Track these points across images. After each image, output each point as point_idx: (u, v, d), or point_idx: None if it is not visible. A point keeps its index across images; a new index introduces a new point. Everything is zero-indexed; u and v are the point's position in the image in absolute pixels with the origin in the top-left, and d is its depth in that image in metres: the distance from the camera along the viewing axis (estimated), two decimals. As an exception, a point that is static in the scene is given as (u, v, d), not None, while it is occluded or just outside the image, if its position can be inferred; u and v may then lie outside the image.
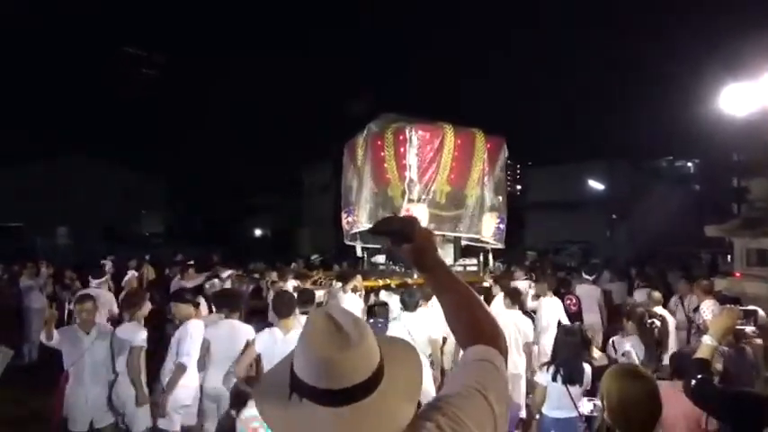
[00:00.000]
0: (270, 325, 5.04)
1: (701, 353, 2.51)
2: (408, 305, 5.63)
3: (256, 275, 9.52)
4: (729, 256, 11.07)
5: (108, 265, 9.44)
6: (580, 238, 25.64)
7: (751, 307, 2.79)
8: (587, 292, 8.32)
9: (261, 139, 36.36)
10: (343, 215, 10.04)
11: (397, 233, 1.40)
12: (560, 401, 4.29)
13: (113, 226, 27.50)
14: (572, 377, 4.26)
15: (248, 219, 37.30)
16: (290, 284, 7.60)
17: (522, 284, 8.42)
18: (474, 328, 1.38)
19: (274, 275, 8.44)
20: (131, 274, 8.29)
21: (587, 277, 8.86)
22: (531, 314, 7.02)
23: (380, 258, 9.41)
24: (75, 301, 5.13)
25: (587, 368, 4.40)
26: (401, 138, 8.62)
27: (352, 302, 6.69)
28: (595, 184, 28.90)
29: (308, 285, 7.64)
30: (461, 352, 1.40)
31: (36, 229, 23.88)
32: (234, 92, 43.40)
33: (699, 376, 2.39)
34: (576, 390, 4.24)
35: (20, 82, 34.90)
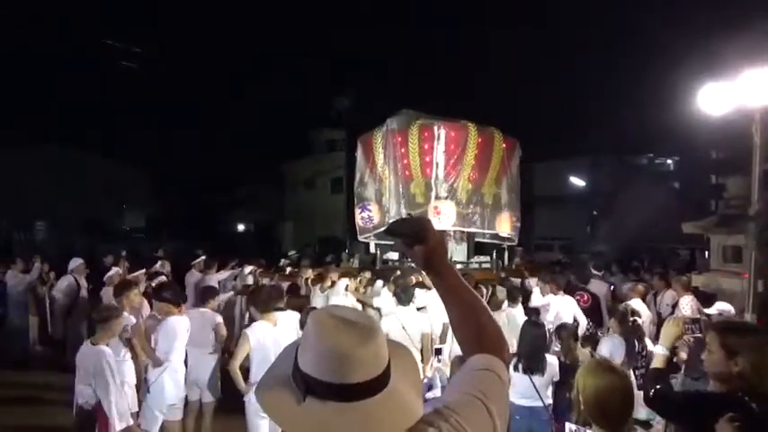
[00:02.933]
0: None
1: (656, 362, 2.62)
2: (403, 300, 5.74)
3: (287, 272, 9.46)
4: (707, 253, 11.28)
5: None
6: (562, 235, 25.89)
7: (696, 315, 2.90)
8: (595, 288, 8.43)
9: (243, 132, 36.05)
10: (357, 211, 9.97)
11: (411, 235, 1.40)
12: (525, 391, 4.45)
13: (94, 220, 27.07)
14: (532, 367, 4.44)
15: (230, 213, 37.02)
16: (342, 283, 7.50)
17: (532, 282, 8.53)
18: (479, 337, 1.38)
19: (310, 272, 8.33)
20: (114, 270, 8.17)
21: (596, 273, 8.92)
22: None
23: (394, 255, 9.41)
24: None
25: (552, 359, 4.65)
26: (427, 134, 8.64)
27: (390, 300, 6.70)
28: (577, 181, 29.18)
29: (351, 283, 7.58)
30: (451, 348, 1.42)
31: (13, 224, 23.46)
32: (217, 84, 43.01)
33: (657, 386, 2.48)
34: (539, 379, 4.45)
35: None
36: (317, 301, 7.20)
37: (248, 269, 9.14)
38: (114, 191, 30.62)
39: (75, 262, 9.08)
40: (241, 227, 37.50)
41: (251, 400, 4.45)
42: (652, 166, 34.75)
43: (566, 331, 5.20)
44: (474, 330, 1.39)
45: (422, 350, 5.50)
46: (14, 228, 23.37)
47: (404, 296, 5.73)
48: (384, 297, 6.49)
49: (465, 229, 9.04)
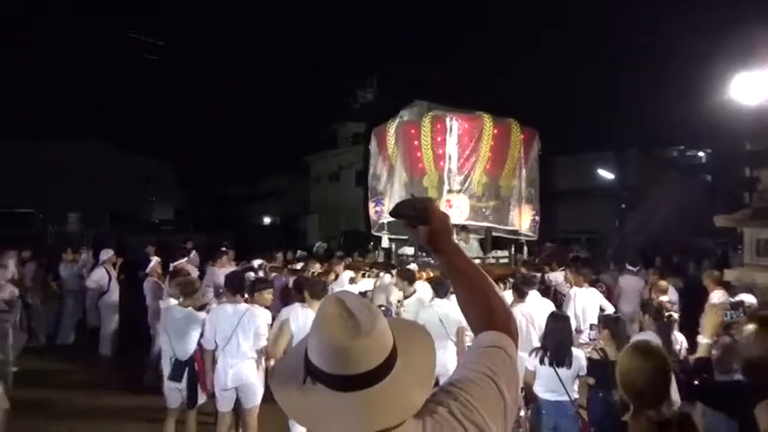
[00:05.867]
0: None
1: (700, 352, 2.63)
2: (439, 292, 5.70)
3: (297, 267, 9.54)
4: (740, 247, 11.03)
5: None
6: (589, 229, 25.52)
7: (737, 298, 2.86)
8: (630, 283, 8.34)
9: (268, 125, 36.30)
10: (371, 205, 9.94)
11: (414, 215, 1.40)
12: (551, 384, 4.40)
13: (123, 212, 27.71)
14: (559, 360, 4.38)
15: (256, 205, 37.41)
16: (346, 275, 7.57)
17: (558, 276, 8.50)
18: (488, 314, 1.38)
19: (318, 267, 8.42)
20: (155, 261, 8.36)
21: (631, 268, 8.85)
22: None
23: (409, 250, 9.35)
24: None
25: (578, 353, 4.54)
26: (439, 126, 8.50)
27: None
28: (605, 174, 28.68)
29: (359, 277, 7.64)
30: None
31: (47, 215, 24.10)
32: (243, 77, 43.36)
33: (702, 375, 2.49)
34: (565, 372, 4.37)
35: (30, 64, 34.95)
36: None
37: (257, 263, 9.23)
38: (143, 184, 31.26)
39: (107, 253, 9.35)
40: (267, 219, 37.85)
41: None
42: (683, 158, 33.99)
43: (618, 324, 4.67)
44: (483, 308, 1.39)
45: (456, 343, 5.50)
46: (48, 220, 23.95)
47: (440, 289, 5.71)
48: (421, 290, 6.51)
49: (479, 224, 8.90)
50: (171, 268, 7.80)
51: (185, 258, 8.31)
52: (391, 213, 1.47)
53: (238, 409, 5.13)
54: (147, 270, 8.15)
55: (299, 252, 12.16)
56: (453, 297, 5.53)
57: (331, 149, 31.91)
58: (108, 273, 9.06)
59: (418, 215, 1.39)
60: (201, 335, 5.05)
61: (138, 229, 24.32)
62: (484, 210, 8.68)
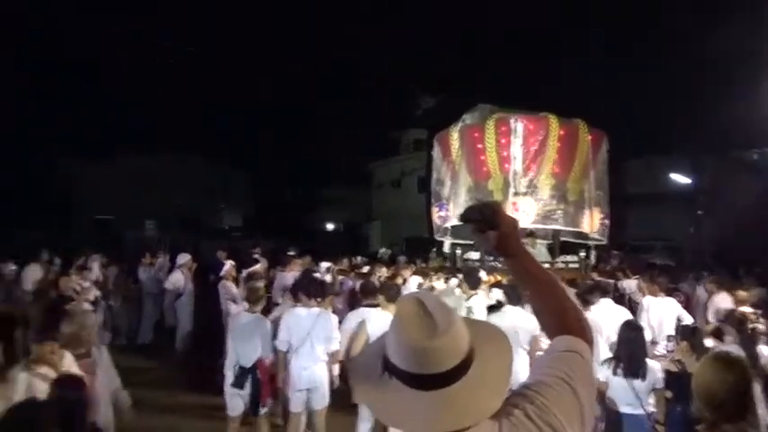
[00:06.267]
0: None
1: None
2: (511, 298, 5.62)
3: (363, 270, 9.67)
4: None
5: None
6: (663, 235, 24.47)
7: None
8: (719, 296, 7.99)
9: (332, 133, 36.88)
10: (434, 210, 9.91)
11: (483, 220, 1.39)
12: (625, 397, 4.23)
13: (195, 219, 28.93)
14: (633, 371, 4.20)
15: (319, 212, 38.13)
16: (414, 280, 7.64)
17: (631, 284, 8.24)
18: (561, 319, 1.36)
19: (384, 271, 8.54)
20: (230, 264, 8.72)
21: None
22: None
23: (474, 255, 9.25)
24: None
25: (654, 365, 4.33)
26: (503, 129, 8.40)
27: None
28: (679, 178, 27.40)
29: (427, 281, 7.68)
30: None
31: (126, 222, 25.51)
32: (307, 85, 44.24)
33: None
34: (639, 384, 4.18)
35: (107, 80, 36.98)
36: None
37: (325, 266, 9.39)
38: (213, 192, 32.53)
39: (184, 258, 9.80)
40: (330, 226, 38.47)
41: None
42: (762, 161, 32.00)
43: (697, 336, 4.64)
44: (556, 312, 1.37)
45: (529, 352, 5.37)
46: (126, 226, 25.32)
47: (513, 294, 5.61)
48: (493, 296, 6.44)
49: (547, 227, 8.70)
50: (244, 274, 8.09)
51: (259, 265, 8.58)
52: (460, 218, 1.47)
53: (307, 410, 5.24)
54: (222, 273, 8.49)
55: (359, 258, 12.32)
56: (526, 307, 5.51)
57: (393, 156, 32.15)
58: (184, 276, 9.51)
59: (486, 219, 1.38)
60: (273, 336, 5.18)
61: (209, 235, 25.30)
62: (551, 212, 8.48)
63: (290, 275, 8.48)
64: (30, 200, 26.57)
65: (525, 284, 1.46)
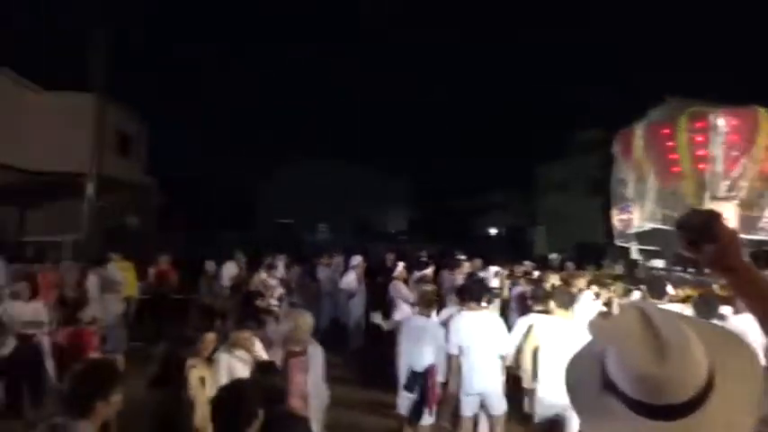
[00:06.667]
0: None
1: None
2: (702, 311, 4.87)
3: (533, 275, 9.46)
4: None
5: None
6: None
7: None
8: None
9: (494, 136, 36.45)
10: (615, 212, 9.28)
11: (700, 230, 1.19)
12: None
13: (363, 223, 30.50)
14: None
15: (483, 216, 37.93)
16: (590, 290, 7.33)
17: None
18: None
19: (556, 278, 8.27)
20: (402, 265, 9.03)
21: None
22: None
23: (658, 263, 8.50)
24: None
25: None
26: (700, 124, 7.59)
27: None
28: None
29: (605, 293, 7.31)
30: None
31: (303, 225, 27.68)
32: (469, 88, 44.25)
33: None
34: None
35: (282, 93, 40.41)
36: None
37: (494, 270, 9.17)
38: (380, 196, 34.00)
39: (357, 259, 10.30)
40: (493, 231, 38.01)
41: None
42: None
43: None
44: None
45: None
46: (302, 229, 27.42)
47: (704, 308, 4.98)
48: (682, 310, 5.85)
49: (752, 237, 7.60)
50: (416, 276, 8.27)
51: (429, 269, 8.73)
52: (676, 226, 1.27)
53: (484, 415, 5.17)
54: (395, 274, 8.76)
55: (527, 263, 11.92)
56: (724, 320, 4.89)
57: (558, 159, 30.86)
58: (357, 277, 10.00)
59: (705, 231, 1.18)
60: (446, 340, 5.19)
61: (375, 238, 26.42)
62: (755, 220, 7.41)
63: (459, 278, 8.50)
64: (225, 206, 30.17)
65: (751, 300, 1.23)
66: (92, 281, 8.68)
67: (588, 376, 1.09)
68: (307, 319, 4.41)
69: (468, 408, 5.10)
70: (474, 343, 5.00)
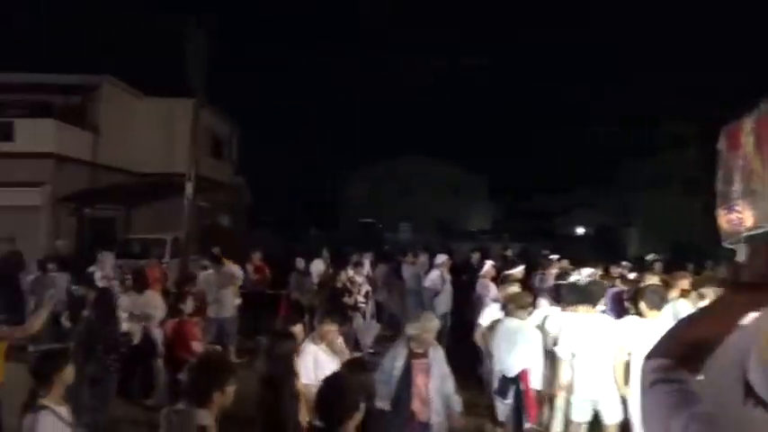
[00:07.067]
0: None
1: None
2: None
3: (630, 277, 9.07)
4: None
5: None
6: None
7: None
8: None
9: (582, 132, 35.18)
10: (721, 212, 8.53)
11: None
12: None
13: (444, 222, 30.38)
14: None
15: (567, 216, 36.72)
16: (693, 294, 6.95)
17: None
18: None
19: (655, 280, 7.88)
20: (489, 264, 8.86)
21: None
22: None
23: None
24: None
25: None
26: None
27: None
28: None
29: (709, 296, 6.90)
30: None
31: (385, 224, 27.96)
32: (550, 85, 43.01)
33: None
34: None
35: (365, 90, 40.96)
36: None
37: (587, 272, 8.76)
38: (460, 195, 33.76)
39: (442, 258, 10.25)
40: (580, 230, 36.68)
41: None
42: None
43: None
44: None
45: None
46: (385, 229, 27.70)
47: None
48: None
49: None
50: (504, 277, 8.10)
51: (519, 268, 8.50)
52: None
53: (598, 422, 5.00)
54: (482, 272, 8.63)
55: (623, 263, 11.38)
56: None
57: (649, 156, 29.30)
58: (442, 275, 9.95)
59: None
60: (556, 343, 5.05)
61: (457, 236, 26.22)
62: None
63: (550, 278, 8.25)
64: (309, 205, 31.12)
65: None
66: (206, 276, 9.22)
67: (729, 383, 1.03)
68: (434, 323, 4.41)
69: (579, 413, 4.95)
70: (588, 347, 4.85)
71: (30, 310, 8.35)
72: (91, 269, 9.49)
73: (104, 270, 9.34)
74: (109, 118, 17.54)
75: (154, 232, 14.39)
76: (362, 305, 9.84)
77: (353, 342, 8.49)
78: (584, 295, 5.16)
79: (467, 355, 7.92)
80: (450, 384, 4.37)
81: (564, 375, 4.94)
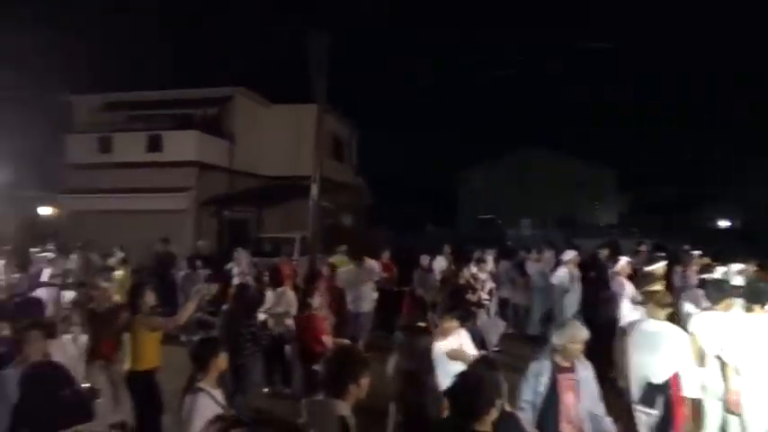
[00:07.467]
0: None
1: None
2: None
3: None
4: None
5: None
6: None
7: None
8: None
9: (714, 123, 32.16)
10: None
11: None
12: None
13: (569, 216, 29.08)
14: None
15: (704, 208, 33.64)
16: None
17: None
18: None
19: None
20: (625, 260, 8.33)
21: None
22: None
23: None
24: None
25: None
26: None
27: None
28: None
29: None
30: None
31: (505, 220, 27.36)
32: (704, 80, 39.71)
33: None
34: None
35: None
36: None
37: (736, 268, 7.90)
38: (587, 190, 32.18)
39: (569, 254, 9.80)
40: (723, 223, 33.35)
41: None
42: None
43: None
44: None
45: None
46: (505, 224, 27.12)
47: None
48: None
49: None
50: (642, 274, 7.57)
51: (660, 264, 7.88)
52: None
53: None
54: (617, 269, 8.13)
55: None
56: None
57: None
58: (571, 273, 9.51)
59: None
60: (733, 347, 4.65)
61: (583, 232, 24.98)
62: None
63: (692, 276, 7.60)
64: (428, 203, 31.36)
65: None
66: (346, 272, 9.72)
67: None
68: (583, 332, 3.90)
69: (753, 425, 4.52)
70: (759, 353, 4.47)
71: (181, 304, 9.20)
72: (228, 266, 10.32)
73: (241, 266, 10.10)
74: (241, 126, 18.89)
75: (284, 232, 15.24)
76: (486, 302, 9.71)
77: (479, 340, 8.39)
78: (754, 294, 4.72)
79: (598, 355, 7.50)
80: (601, 408, 3.84)
81: (734, 383, 4.53)
